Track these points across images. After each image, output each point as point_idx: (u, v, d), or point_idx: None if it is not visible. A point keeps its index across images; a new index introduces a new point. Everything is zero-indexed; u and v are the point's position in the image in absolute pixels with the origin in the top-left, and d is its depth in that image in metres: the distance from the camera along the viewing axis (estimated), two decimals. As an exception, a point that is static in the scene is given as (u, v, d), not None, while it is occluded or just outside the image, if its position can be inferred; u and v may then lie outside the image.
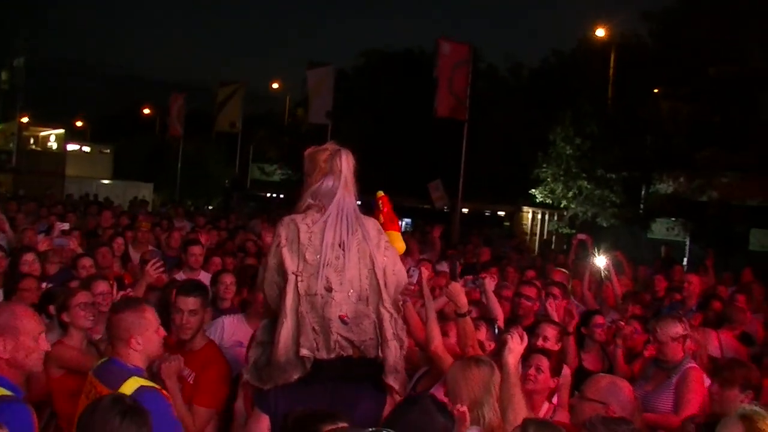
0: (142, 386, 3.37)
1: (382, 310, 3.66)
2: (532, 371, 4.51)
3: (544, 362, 4.56)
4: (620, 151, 23.41)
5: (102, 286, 5.58)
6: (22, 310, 3.34)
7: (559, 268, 9.53)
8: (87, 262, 7.12)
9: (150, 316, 3.63)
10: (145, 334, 3.56)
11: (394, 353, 3.66)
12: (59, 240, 7.79)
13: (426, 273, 5.06)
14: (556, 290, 6.97)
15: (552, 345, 5.35)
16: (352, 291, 3.61)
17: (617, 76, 25.08)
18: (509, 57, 34.51)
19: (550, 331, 5.44)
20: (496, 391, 3.72)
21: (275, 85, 46.39)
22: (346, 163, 3.80)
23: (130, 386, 3.35)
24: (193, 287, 4.80)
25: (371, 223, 3.87)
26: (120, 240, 8.85)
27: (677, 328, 5.15)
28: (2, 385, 3.03)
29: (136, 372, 3.49)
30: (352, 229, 3.70)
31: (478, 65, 28.03)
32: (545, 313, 6.28)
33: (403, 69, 33.11)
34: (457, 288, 4.90)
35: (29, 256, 6.85)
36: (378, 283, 3.68)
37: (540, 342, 5.28)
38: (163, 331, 3.69)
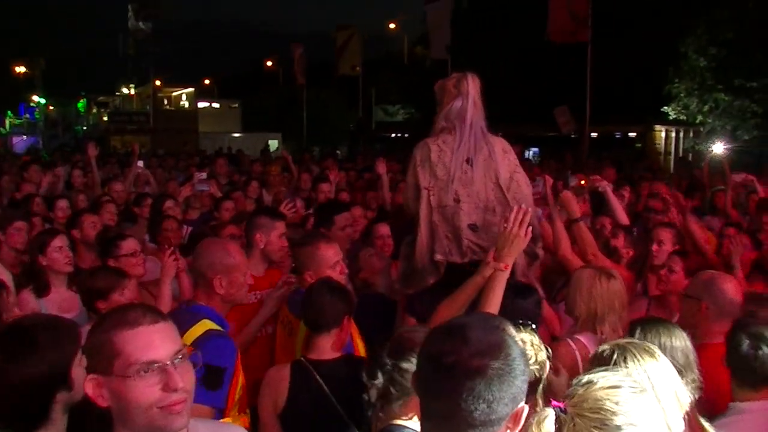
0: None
1: None
2: (664, 271, 4.50)
3: (678, 263, 4.53)
4: (762, 56, 21.96)
5: (231, 230, 5.93)
6: (233, 247, 3.56)
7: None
8: (230, 204, 7.56)
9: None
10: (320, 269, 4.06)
11: (522, 258, 3.87)
12: (200, 185, 8.24)
13: (549, 180, 5.15)
14: (657, 204, 6.79)
15: (668, 248, 5.25)
16: (479, 202, 3.85)
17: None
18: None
19: (665, 235, 5.30)
20: (621, 310, 3.78)
21: (392, 26, 46.27)
22: (473, 84, 4.02)
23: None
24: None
25: (498, 141, 4.06)
26: (255, 184, 9.36)
27: None
28: (213, 319, 3.24)
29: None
30: (479, 147, 3.93)
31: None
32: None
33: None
34: (568, 195, 5.15)
35: (170, 203, 7.33)
36: (504, 195, 3.89)
37: (655, 246, 5.20)
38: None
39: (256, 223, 4.63)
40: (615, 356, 2.48)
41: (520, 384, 1.72)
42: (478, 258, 3.73)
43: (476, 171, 3.87)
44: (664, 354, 2.58)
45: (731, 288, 3.80)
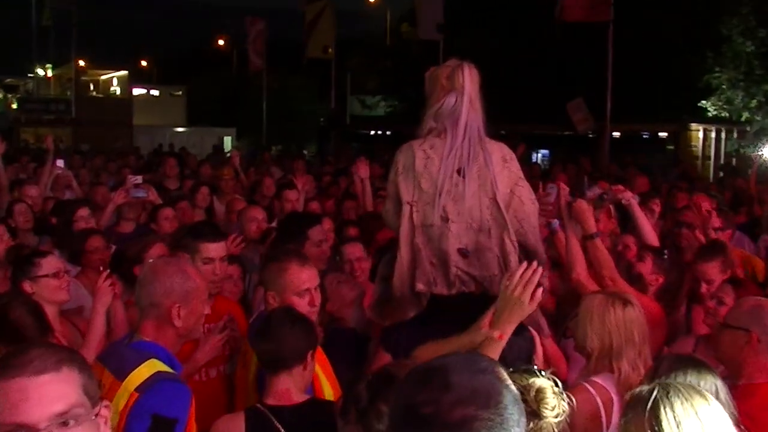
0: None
1: (507, 243, 3.86)
2: (712, 303, 4.55)
3: (730, 293, 4.56)
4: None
5: (159, 249, 5.82)
6: (191, 269, 3.46)
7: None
8: (169, 213, 7.45)
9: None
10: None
11: None
12: (136, 191, 8.00)
13: (565, 189, 5.12)
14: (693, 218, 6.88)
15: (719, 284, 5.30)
16: (471, 222, 3.83)
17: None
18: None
19: (712, 270, 5.29)
20: (642, 343, 3.77)
21: None
22: (469, 77, 3.99)
23: None
24: None
25: (497, 148, 4.04)
26: (204, 190, 9.28)
27: None
28: (162, 358, 3.15)
29: None
30: (473, 154, 3.91)
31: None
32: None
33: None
34: (584, 206, 5.03)
35: (83, 211, 7.19)
36: (502, 215, 3.87)
37: (704, 288, 5.22)
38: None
39: (179, 243, 4.61)
40: (656, 395, 2.48)
41: None
42: (467, 290, 3.74)
43: (469, 184, 3.85)
44: None
45: None
